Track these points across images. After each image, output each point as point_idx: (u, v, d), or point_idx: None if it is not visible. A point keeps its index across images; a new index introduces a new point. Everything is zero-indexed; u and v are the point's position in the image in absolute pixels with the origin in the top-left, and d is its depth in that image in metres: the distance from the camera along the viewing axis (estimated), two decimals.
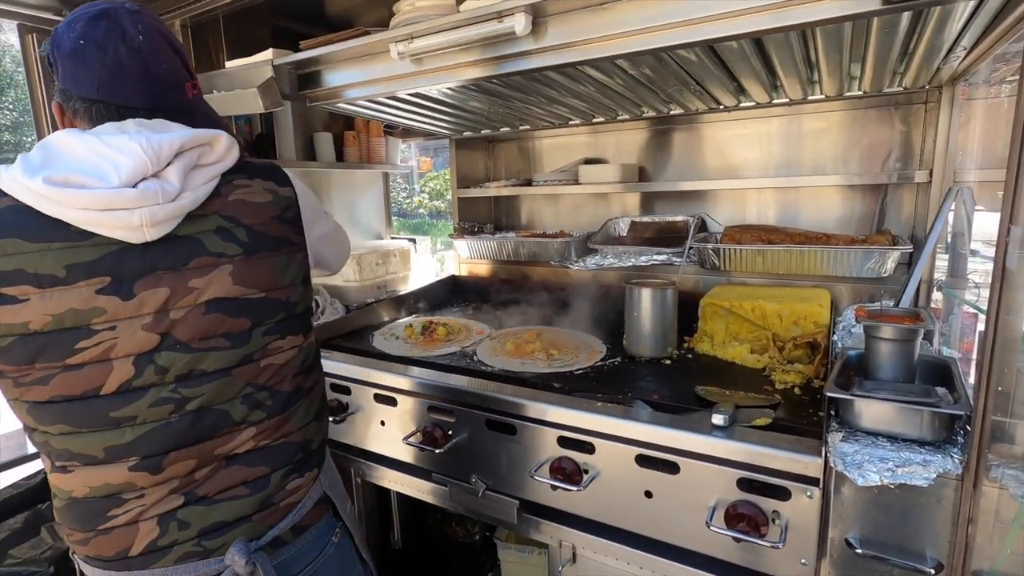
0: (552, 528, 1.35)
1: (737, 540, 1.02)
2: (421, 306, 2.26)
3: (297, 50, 1.69)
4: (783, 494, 1.02)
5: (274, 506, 0.95)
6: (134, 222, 0.77)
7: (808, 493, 0.99)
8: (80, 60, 0.84)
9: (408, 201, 12.57)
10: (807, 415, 1.18)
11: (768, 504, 1.03)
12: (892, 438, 0.98)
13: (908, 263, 1.74)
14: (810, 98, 1.72)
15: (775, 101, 1.76)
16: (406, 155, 2.64)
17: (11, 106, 10.41)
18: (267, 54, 1.67)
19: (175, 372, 0.84)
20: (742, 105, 1.83)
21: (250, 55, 1.73)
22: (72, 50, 0.84)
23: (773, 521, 1.02)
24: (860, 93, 1.63)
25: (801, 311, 1.55)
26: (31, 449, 1.89)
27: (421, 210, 12.11)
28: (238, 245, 0.87)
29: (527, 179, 2.48)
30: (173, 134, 0.82)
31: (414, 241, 2.58)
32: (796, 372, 1.38)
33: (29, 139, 10.55)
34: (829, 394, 1.03)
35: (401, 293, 2.27)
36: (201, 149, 0.86)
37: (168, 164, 0.81)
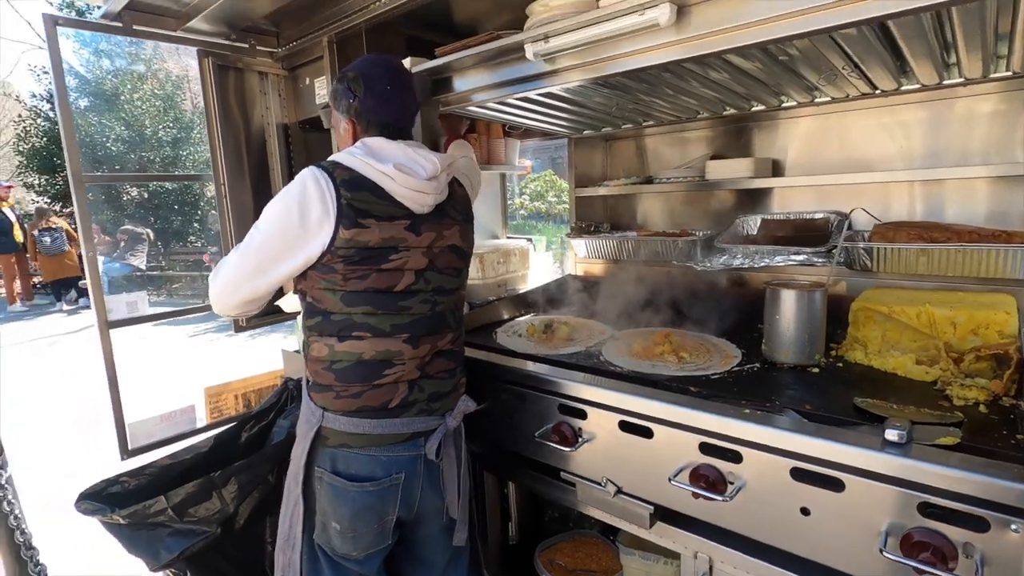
0: (687, 537, 1.29)
1: (920, 572, 0.91)
2: (540, 304, 2.27)
3: (429, 58, 1.77)
4: (979, 525, 0.89)
5: (458, 391, 1.43)
6: (428, 201, 1.29)
7: (1013, 527, 0.86)
8: (387, 99, 1.32)
9: (509, 203, 12.80)
10: (1002, 437, 1.03)
11: (958, 534, 0.91)
12: None
13: None
14: (991, 76, 1.51)
15: (946, 82, 1.56)
16: (521, 158, 2.67)
17: (171, 124, 11.96)
18: (406, 62, 1.75)
19: (433, 285, 1.33)
20: (902, 89, 1.64)
21: None
22: (382, 92, 1.31)
23: (967, 555, 0.90)
24: None
25: (982, 319, 1.36)
26: (167, 433, 2.11)
27: (522, 211, 12.25)
28: (461, 215, 1.42)
29: (646, 177, 2.42)
30: (441, 155, 1.33)
31: (532, 240, 2.61)
32: (979, 388, 1.21)
33: (184, 152, 12.09)
34: None
35: (521, 291, 2.30)
36: (451, 165, 1.38)
37: (442, 172, 1.31)
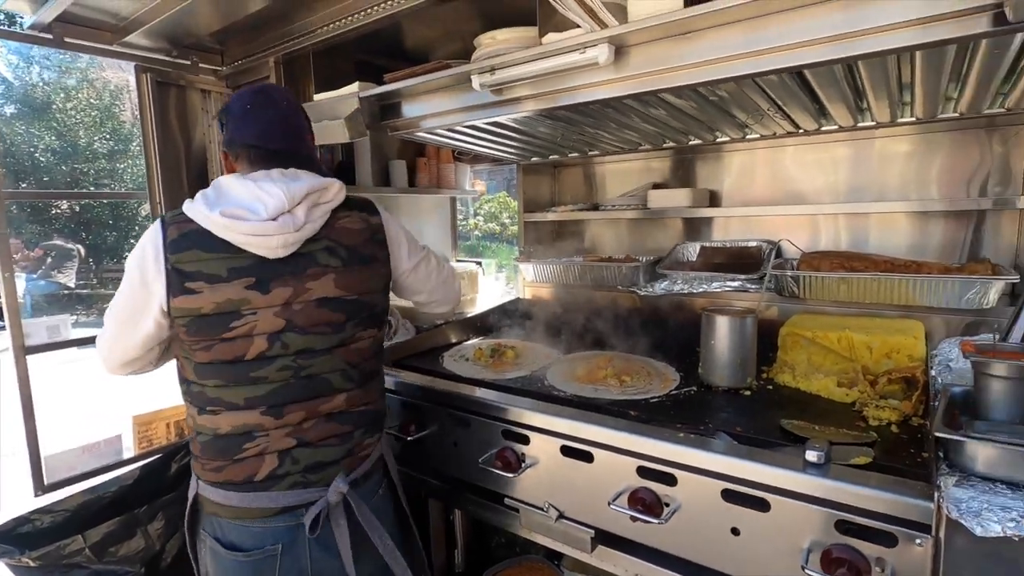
0: (628, 560, 1.31)
1: None
2: (488, 328, 2.28)
3: (379, 82, 1.78)
4: (888, 540, 0.96)
5: (355, 456, 1.25)
6: (273, 244, 1.10)
7: (918, 541, 0.93)
8: (245, 119, 1.20)
9: (463, 223, 12.83)
10: (909, 455, 1.11)
11: (871, 550, 0.97)
12: (1014, 485, 0.90)
13: (1011, 293, 1.63)
14: (899, 120, 1.66)
15: (860, 124, 1.70)
16: (476, 180, 2.71)
17: (108, 136, 11.40)
18: (353, 87, 1.76)
19: (294, 348, 1.15)
20: (823, 129, 1.78)
21: (334, 88, 1.83)
22: (240, 112, 1.21)
23: (880, 568, 0.95)
24: (956, 115, 1.55)
25: (894, 343, 1.46)
26: (90, 466, 2.00)
27: (476, 232, 12.31)
28: (339, 260, 1.19)
29: (593, 204, 2.49)
30: (302, 182, 1.15)
31: (480, 264, 2.63)
32: (891, 408, 1.30)
33: (122, 165, 11.53)
34: (938, 434, 0.96)
35: (469, 315, 2.31)
36: (320, 193, 1.18)
37: (298, 204, 1.13)
